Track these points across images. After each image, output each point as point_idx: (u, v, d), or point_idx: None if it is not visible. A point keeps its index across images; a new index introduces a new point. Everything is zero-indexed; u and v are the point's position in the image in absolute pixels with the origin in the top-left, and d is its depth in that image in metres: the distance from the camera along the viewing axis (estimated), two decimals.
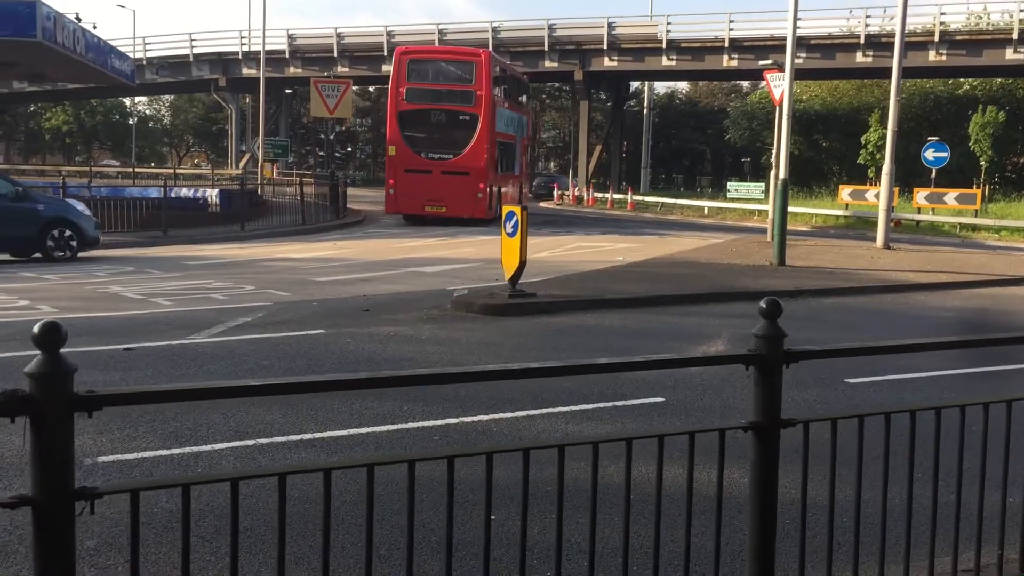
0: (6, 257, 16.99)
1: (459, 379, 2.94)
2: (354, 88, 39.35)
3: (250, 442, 5.68)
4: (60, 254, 16.92)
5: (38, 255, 16.98)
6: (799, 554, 3.31)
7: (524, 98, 34.84)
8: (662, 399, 7.01)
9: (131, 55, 36.81)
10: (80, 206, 18.41)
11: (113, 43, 28.33)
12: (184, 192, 29.04)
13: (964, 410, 3.57)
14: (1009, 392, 3.72)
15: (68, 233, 17.08)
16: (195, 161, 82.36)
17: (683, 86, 74.32)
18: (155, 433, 5.81)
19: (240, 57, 52.78)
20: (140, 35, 59.05)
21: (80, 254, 17.26)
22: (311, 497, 4.49)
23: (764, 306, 3.13)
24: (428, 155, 26.66)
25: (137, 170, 50.57)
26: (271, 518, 4.28)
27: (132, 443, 5.61)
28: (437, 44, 46.66)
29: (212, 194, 28.11)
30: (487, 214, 26.94)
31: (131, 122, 76.28)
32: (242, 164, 50.56)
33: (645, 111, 57.26)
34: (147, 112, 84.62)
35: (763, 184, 35.80)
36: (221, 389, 2.47)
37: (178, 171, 50.22)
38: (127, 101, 75.96)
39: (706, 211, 39.44)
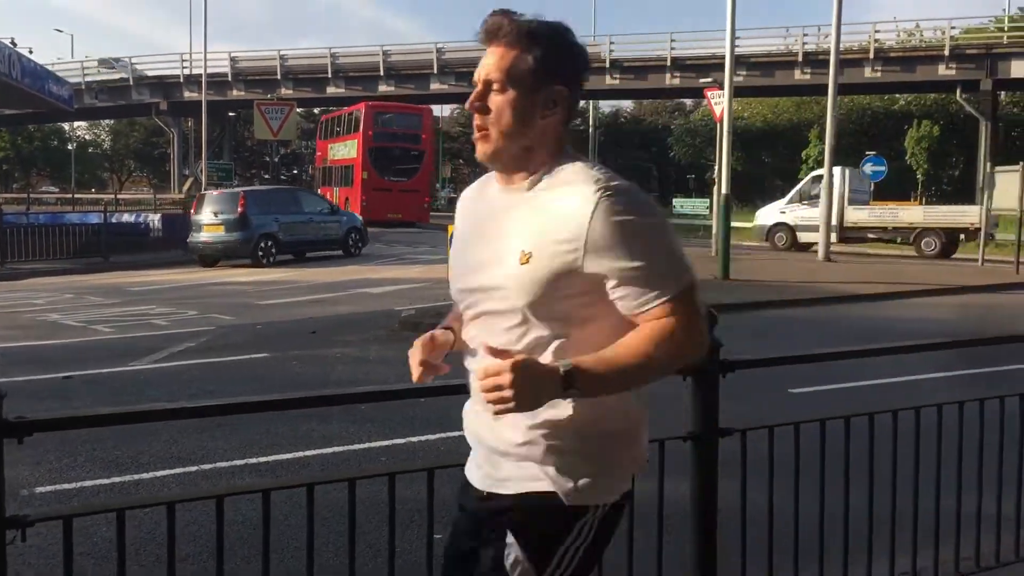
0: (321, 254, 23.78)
1: (401, 395, 2.95)
2: (299, 110, 39.12)
3: (193, 468, 5.60)
4: (353, 251, 24.23)
5: (339, 252, 23.98)
6: (740, 562, 3.36)
7: None
8: None
9: (69, 80, 36.17)
10: (360, 218, 26.61)
11: (51, 68, 27.84)
12: (126, 217, 28.55)
13: (896, 415, 3.66)
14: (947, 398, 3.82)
15: (358, 237, 24.65)
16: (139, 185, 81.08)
17: (628, 104, 75.20)
18: (95, 462, 5.70)
19: (181, 80, 52.20)
20: (78, 59, 58.03)
21: (362, 251, 24.58)
22: (255, 521, 4.43)
23: None
24: (389, 179, 36.12)
25: (77, 196, 49.57)
26: (214, 544, 4.22)
27: (71, 472, 5.49)
28: (381, 64, 47.27)
29: (154, 219, 27.65)
30: (428, 219, 38.01)
31: (70, 148, 74.91)
32: (185, 188, 49.84)
33: (591, 130, 57.80)
34: (87, 137, 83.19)
35: (708, 200, 36.30)
36: (156, 412, 2.44)
37: (119, 196, 49.34)
38: (66, 126, 74.63)
39: None
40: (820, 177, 26.72)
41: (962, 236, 26.42)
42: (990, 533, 3.93)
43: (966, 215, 26.33)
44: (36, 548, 4.29)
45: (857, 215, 28.36)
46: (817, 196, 25.92)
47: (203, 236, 21.71)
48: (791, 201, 29.65)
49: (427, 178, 38.52)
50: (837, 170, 27.89)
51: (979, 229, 24.03)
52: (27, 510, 4.63)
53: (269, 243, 21.89)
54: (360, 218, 26.31)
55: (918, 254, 26.57)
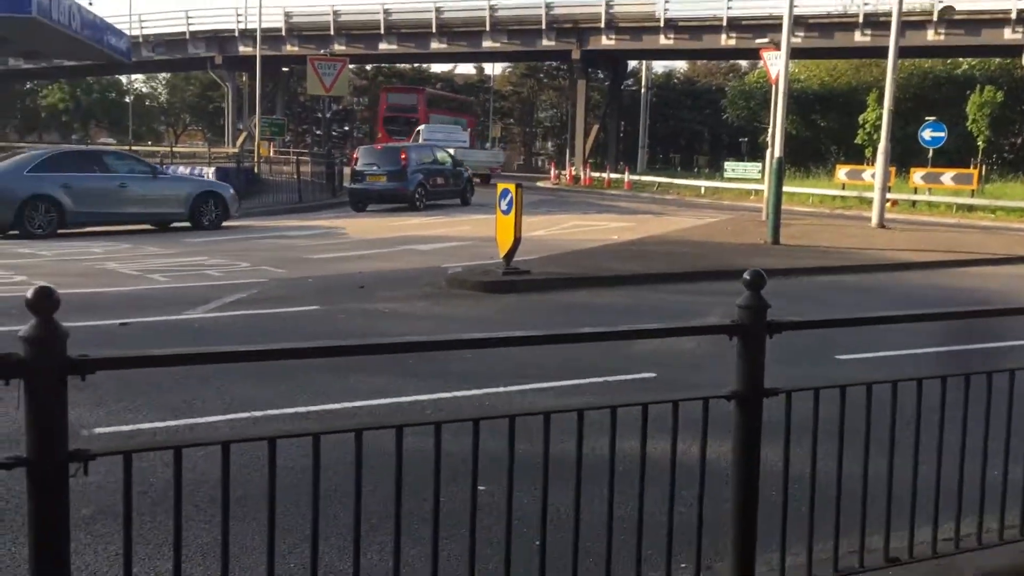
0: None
1: (443, 347, 2.99)
2: (351, 66, 39.24)
3: (244, 415, 5.74)
4: (469, 200, 28.72)
5: (458, 201, 28.35)
6: (781, 523, 3.37)
7: (460, 106, 59.69)
8: (653, 375, 7.07)
9: (127, 32, 36.59)
10: (469, 171, 30.96)
11: (109, 20, 28.21)
12: (181, 170, 28.97)
13: (945, 381, 3.63)
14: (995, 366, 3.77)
15: (471, 188, 29.58)
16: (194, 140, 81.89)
17: (681, 65, 73.99)
18: (151, 406, 5.87)
19: (236, 35, 52.52)
20: (136, 12, 58.72)
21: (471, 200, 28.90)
22: (304, 467, 4.53)
23: (748, 277, 3.18)
24: (394, 138, 44.23)
25: (134, 148, 50.38)
26: (265, 487, 4.33)
27: (128, 415, 5.66)
28: (434, 21, 47.53)
29: (208, 172, 28.07)
30: None
31: (127, 100, 75.94)
32: (239, 143, 50.43)
33: (643, 90, 57.05)
34: (143, 90, 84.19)
35: (760, 164, 35.74)
36: (212, 354, 2.52)
37: (175, 149, 50.03)
38: (123, 79, 75.62)
39: (703, 191, 39.45)
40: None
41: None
42: None
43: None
44: (95, 486, 4.46)
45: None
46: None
47: (366, 184, 25.83)
48: None
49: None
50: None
51: None
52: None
53: (422, 191, 25.96)
54: (469, 171, 30.82)
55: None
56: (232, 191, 20.44)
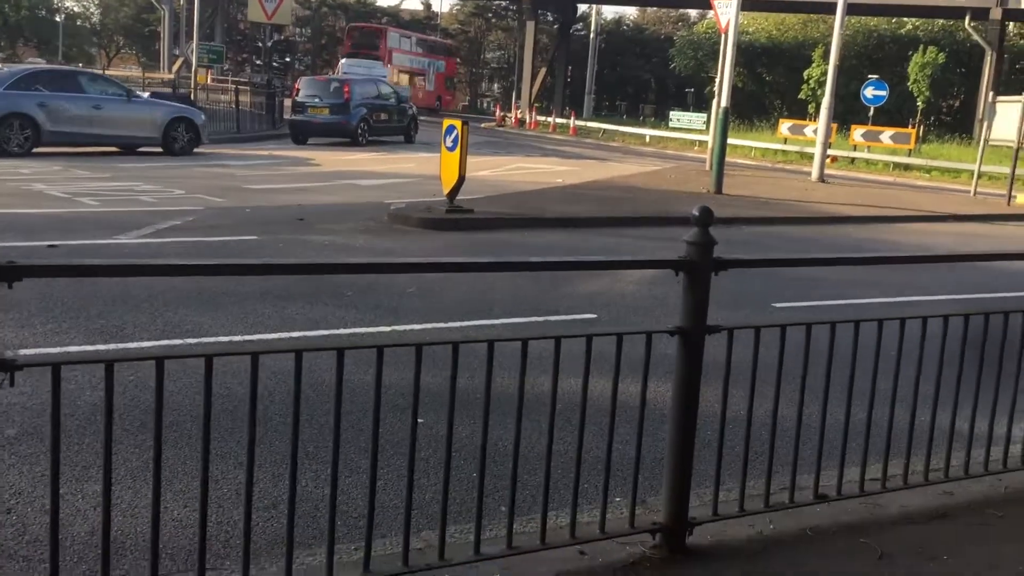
0: None
1: (386, 269, 2.93)
2: None
3: (178, 341, 5.60)
4: (412, 138, 27.83)
5: (401, 138, 27.41)
6: (716, 459, 3.42)
7: (433, 47, 58.60)
8: (594, 315, 7.10)
9: None
10: (414, 108, 29.94)
11: None
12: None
13: (881, 325, 3.69)
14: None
15: (414, 125, 28.29)
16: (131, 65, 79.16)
17: (631, 12, 73.57)
18: (79, 329, 5.70)
19: None
20: None
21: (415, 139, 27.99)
22: (240, 396, 4.47)
23: (696, 213, 3.17)
24: None
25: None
26: (198, 414, 4.25)
27: (56, 338, 5.49)
28: None
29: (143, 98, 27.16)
30: None
31: (58, 19, 72.88)
32: (175, 69, 48.80)
33: (592, 36, 56.57)
34: (75, 9, 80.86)
35: (705, 115, 35.84)
36: (147, 267, 2.42)
37: (107, 73, 48.26)
38: None
39: (648, 139, 39.47)
40: None
41: None
42: (962, 449, 4.01)
43: None
44: (20, 406, 4.33)
45: None
46: None
47: (308, 116, 24.78)
48: None
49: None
50: None
51: None
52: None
53: (364, 126, 24.95)
54: (415, 107, 29.48)
55: None
56: (204, 117, 19.99)
